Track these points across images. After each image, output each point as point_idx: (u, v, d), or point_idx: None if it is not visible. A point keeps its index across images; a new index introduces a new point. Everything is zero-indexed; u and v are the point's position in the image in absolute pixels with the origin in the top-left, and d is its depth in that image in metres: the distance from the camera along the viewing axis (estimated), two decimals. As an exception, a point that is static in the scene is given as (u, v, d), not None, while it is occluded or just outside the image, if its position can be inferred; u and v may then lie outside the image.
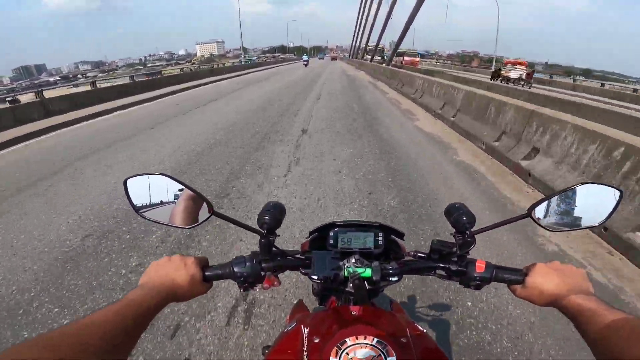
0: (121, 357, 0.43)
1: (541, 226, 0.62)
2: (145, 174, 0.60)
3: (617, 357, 0.41)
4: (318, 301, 0.99)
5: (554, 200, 0.60)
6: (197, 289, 0.62)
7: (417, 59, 49.74)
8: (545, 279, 0.58)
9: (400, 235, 0.80)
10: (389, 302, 1.04)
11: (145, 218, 0.62)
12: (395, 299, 1.05)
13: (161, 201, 0.61)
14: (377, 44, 34.96)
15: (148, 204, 0.61)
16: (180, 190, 0.60)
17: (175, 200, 0.61)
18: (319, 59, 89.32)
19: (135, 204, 0.62)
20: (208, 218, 0.62)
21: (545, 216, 0.61)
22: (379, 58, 43.69)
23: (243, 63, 28.51)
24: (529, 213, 0.62)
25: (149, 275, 0.59)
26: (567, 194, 0.60)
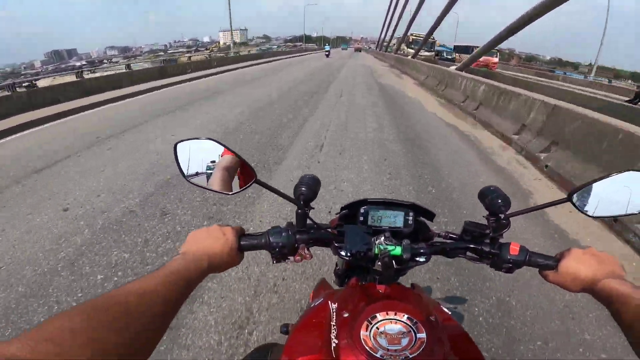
0: (163, 326, 0.44)
1: (581, 211, 0.62)
2: (194, 139, 0.62)
3: None
4: (338, 282, 0.99)
5: (596, 186, 0.60)
6: (232, 260, 0.63)
7: (495, 59, 30.22)
8: (579, 264, 0.58)
9: (431, 216, 0.80)
10: (410, 285, 1.05)
11: (191, 182, 0.64)
12: (417, 284, 1.05)
13: (207, 166, 0.62)
14: (430, 33, 20.98)
15: (195, 168, 0.63)
16: (226, 155, 0.62)
17: (222, 166, 0.62)
18: (342, 49, 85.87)
19: (182, 168, 0.63)
20: (250, 184, 0.64)
21: (586, 201, 0.61)
22: (428, 53, 31.94)
23: (231, 55, 23.31)
24: (569, 198, 0.61)
25: (190, 245, 0.60)
26: (610, 181, 0.59)
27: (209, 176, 0.63)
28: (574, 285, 0.59)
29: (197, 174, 0.63)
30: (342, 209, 0.82)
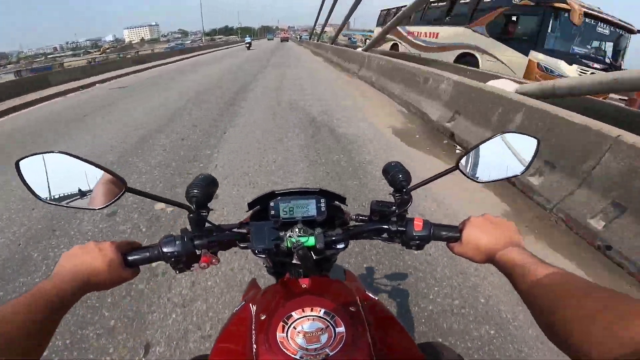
0: (33, 356, 0.41)
1: (469, 177, 0.65)
2: (41, 153, 0.52)
3: (549, 311, 0.42)
4: (275, 279, 0.97)
5: (478, 150, 0.63)
6: (119, 275, 0.58)
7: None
8: (479, 232, 0.59)
9: (342, 200, 0.79)
10: (343, 272, 1.05)
11: (49, 202, 0.55)
12: (349, 269, 1.05)
13: (66, 183, 0.54)
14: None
15: (50, 186, 0.54)
16: (86, 167, 0.54)
17: (83, 180, 0.54)
18: (268, 39, 78.21)
19: (33, 188, 0.54)
20: (121, 195, 0.56)
21: (472, 167, 0.64)
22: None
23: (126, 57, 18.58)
24: (457, 166, 0.64)
25: (62, 266, 0.54)
26: (490, 145, 0.63)
27: (70, 193, 0.54)
28: (477, 256, 0.59)
29: (53, 192, 0.54)
30: (249, 205, 0.77)
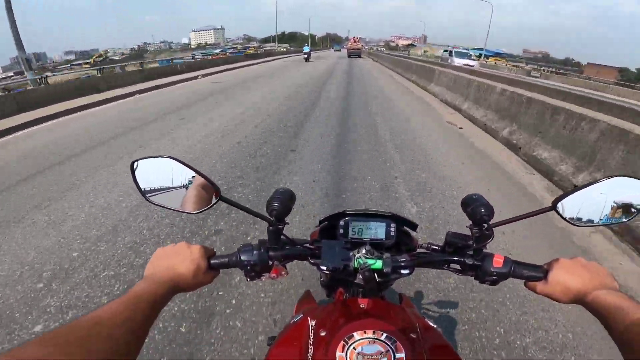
0: (130, 356, 0.43)
1: (565, 220, 0.61)
2: (153, 157, 0.60)
3: None
4: (326, 293, 0.99)
5: (581, 193, 0.60)
6: (202, 279, 0.63)
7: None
8: (569, 275, 0.58)
9: (414, 226, 0.79)
10: (398, 295, 1.04)
11: (152, 202, 0.62)
12: (404, 294, 1.04)
13: (168, 185, 0.61)
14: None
15: (154, 187, 0.61)
16: (188, 173, 0.60)
17: (183, 185, 0.60)
18: (335, 50, 75.78)
19: (141, 186, 0.62)
20: (215, 203, 0.62)
21: (570, 209, 0.61)
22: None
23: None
24: (554, 206, 0.61)
25: (154, 265, 0.60)
26: (594, 187, 0.59)
27: (170, 195, 0.61)
28: (564, 297, 0.58)
29: (157, 192, 0.62)
30: (320, 222, 0.81)
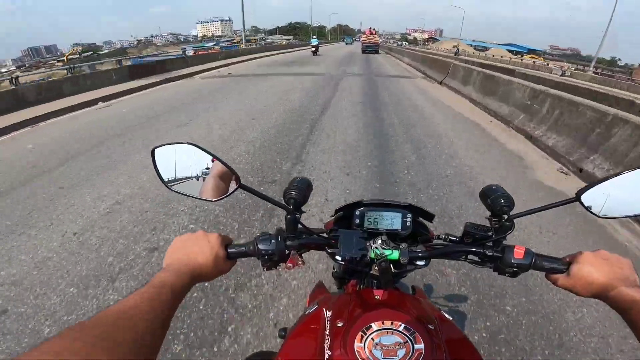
0: (154, 347, 0.43)
1: (590, 212, 0.61)
2: (174, 144, 0.60)
3: None
4: (337, 284, 0.99)
5: (605, 185, 0.59)
6: (220, 268, 0.63)
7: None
8: (593, 268, 0.57)
9: (430, 217, 0.80)
10: (410, 287, 1.04)
11: (172, 189, 0.63)
12: (417, 285, 1.04)
13: (189, 172, 0.61)
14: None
15: (175, 174, 0.62)
16: (208, 161, 0.61)
17: (203, 171, 0.61)
18: (346, 44, 67.74)
19: (162, 174, 0.62)
20: (235, 190, 0.63)
21: (594, 201, 0.60)
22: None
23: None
24: (578, 197, 0.61)
25: (173, 255, 0.60)
26: (619, 179, 0.59)
27: (191, 182, 0.62)
28: (585, 291, 0.58)
29: (177, 180, 0.62)
30: (336, 211, 0.81)
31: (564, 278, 0.61)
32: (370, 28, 35.89)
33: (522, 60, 35.98)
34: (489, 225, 0.68)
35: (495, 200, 0.66)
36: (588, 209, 0.61)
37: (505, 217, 0.64)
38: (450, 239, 0.74)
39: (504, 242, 0.67)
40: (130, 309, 0.43)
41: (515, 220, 0.65)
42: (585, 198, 0.60)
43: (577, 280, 0.59)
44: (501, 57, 36.57)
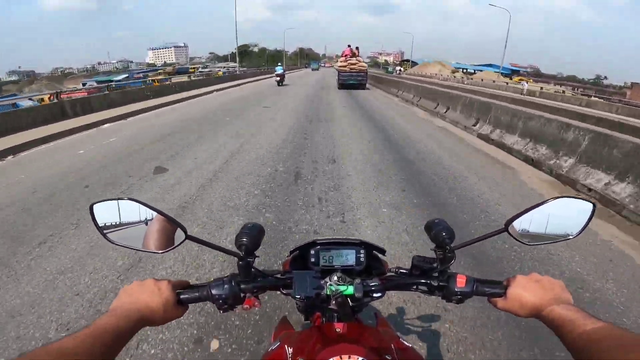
0: None
1: (518, 240, 0.67)
2: (114, 199, 0.60)
3: None
4: (304, 317, 1.00)
5: (530, 214, 0.66)
6: (171, 313, 0.63)
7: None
8: (525, 290, 0.62)
9: (382, 251, 0.84)
10: (374, 314, 1.07)
11: (116, 244, 0.61)
12: (380, 312, 1.07)
13: (132, 227, 0.60)
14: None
15: (117, 228, 0.61)
16: (151, 213, 0.61)
17: (147, 224, 0.61)
18: (312, 69, 64.68)
19: (103, 229, 0.61)
20: (182, 242, 0.63)
21: (521, 230, 0.67)
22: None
23: None
24: (506, 228, 0.67)
25: (120, 300, 0.59)
26: (542, 208, 0.65)
27: (134, 235, 0.61)
28: (521, 311, 0.63)
29: (120, 234, 0.61)
30: (291, 252, 0.82)
31: (502, 301, 0.65)
32: (351, 47, 20.72)
33: (506, 83, 32.56)
34: (434, 257, 0.72)
35: (438, 233, 0.71)
36: (515, 237, 0.67)
37: (448, 248, 0.69)
38: (400, 272, 0.78)
39: (449, 270, 0.72)
40: (71, 349, 0.43)
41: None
42: (512, 228, 0.67)
43: (513, 302, 0.63)
44: (507, 83, 33.05)
